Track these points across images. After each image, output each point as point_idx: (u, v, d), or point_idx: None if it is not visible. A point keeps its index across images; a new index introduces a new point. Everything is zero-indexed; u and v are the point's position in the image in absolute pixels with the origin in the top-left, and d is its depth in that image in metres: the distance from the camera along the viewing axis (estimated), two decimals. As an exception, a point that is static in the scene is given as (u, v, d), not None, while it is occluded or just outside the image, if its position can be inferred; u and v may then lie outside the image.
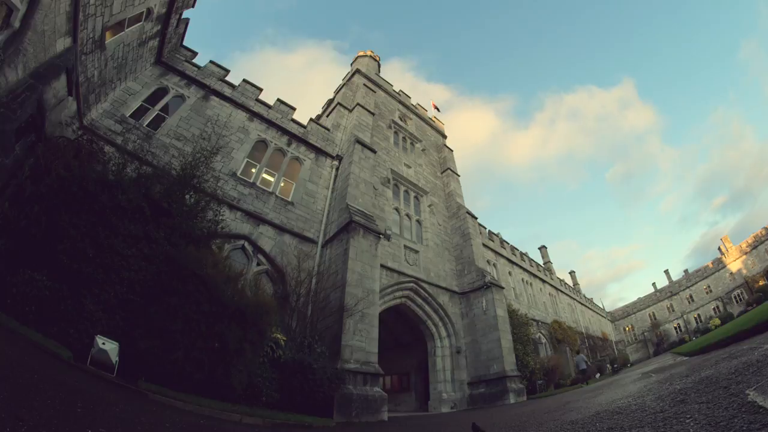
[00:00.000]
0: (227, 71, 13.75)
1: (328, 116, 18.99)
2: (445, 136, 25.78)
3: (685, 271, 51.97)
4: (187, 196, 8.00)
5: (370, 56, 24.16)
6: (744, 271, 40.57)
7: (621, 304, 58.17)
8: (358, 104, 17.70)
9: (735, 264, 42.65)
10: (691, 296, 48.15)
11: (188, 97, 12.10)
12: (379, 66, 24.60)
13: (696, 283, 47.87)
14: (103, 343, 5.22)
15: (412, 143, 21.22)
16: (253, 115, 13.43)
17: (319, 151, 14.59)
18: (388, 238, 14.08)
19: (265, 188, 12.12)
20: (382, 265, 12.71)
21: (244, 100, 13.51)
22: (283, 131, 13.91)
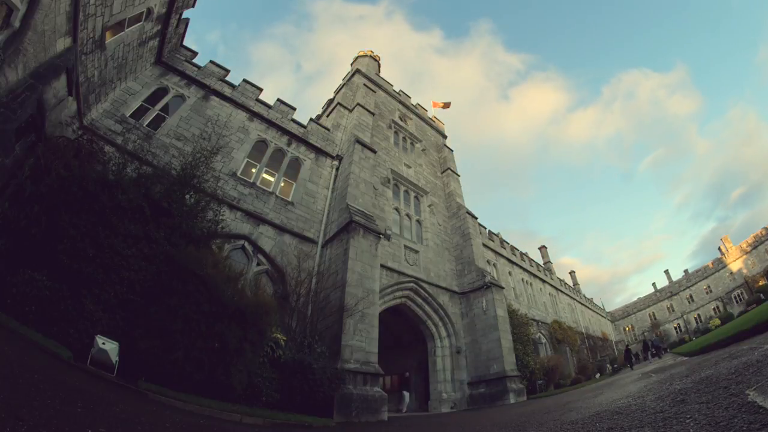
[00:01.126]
0: (227, 71, 13.75)
1: (328, 116, 19.00)
2: (445, 136, 25.78)
3: (685, 271, 52.01)
4: (187, 196, 8.00)
5: (371, 56, 24.16)
6: (744, 271, 40.57)
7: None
8: (358, 104, 17.70)
9: (735, 264, 42.66)
10: (691, 296, 48.16)
11: (188, 97, 12.10)
12: (379, 66, 24.60)
13: (696, 283, 47.88)
14: (103, 343, 5.23)
15: (412, 143, 21.22)
16: (253, 115, 13.42)
17: (319, 151, 14.58)
18: (388, 238, 14.09)
19: (265, 188, 12.12)
20: (382, 265, 12.71)
21: (244, 100, 13.51)
22: (283, 131, 13.90)
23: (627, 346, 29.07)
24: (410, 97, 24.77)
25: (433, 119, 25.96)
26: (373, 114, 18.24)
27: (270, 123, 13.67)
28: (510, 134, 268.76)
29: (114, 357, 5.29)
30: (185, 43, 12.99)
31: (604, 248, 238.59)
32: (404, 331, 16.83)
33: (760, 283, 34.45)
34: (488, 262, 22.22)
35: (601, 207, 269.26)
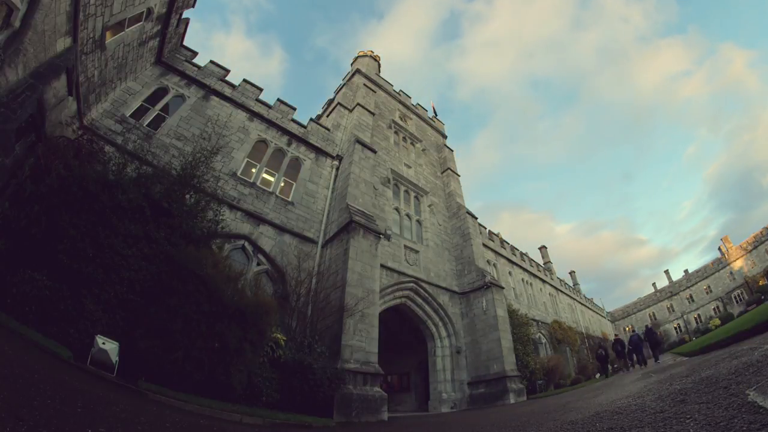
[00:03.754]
0: (227, 71, 13.75)
1: (328, 116, 19.00)
2: (445, 136, 25.77)
3: (685, 271, 52.02)
4: (188, 196, 8.00)
5: (371, 56, 24.17)
6: (744, 271, 40.58)
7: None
8: (358, 104, 17.70)
9: (735, 264, 42.66)
10: (691, 296, 48.15)
11: (188, 97, 12.10)
12: (379, 66, 24.60)
13: (696, 283, 47.87)
14: (103, 343, 5.23)
15: (412, 143, 21.22)
16: (254, 115, 13.43)
17: (319, 151, 14.59)
18: (388, 238, 14.08)
19: (265, 188, 12.12)
20: (382, 265, 12.71)
21: (245, 100, 13.51)
22: (284, 131, 13.91)
23: (600, 350, 18.99)
24: (410, 97, 24.78)
25: (433, 119, 25.97)
26: (373, 114, 18.24)
27: (270, 123, 13.67)
28: (645, 87, 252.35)
29: (114, 357, 5.29)
30: (185, 42, 13.00)
31: (674, 213, 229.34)
32: (404, 331, 16.83)
33: (760, 283, 34.46)
34: (488, 262, 22.22)
35: (685, 181, 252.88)
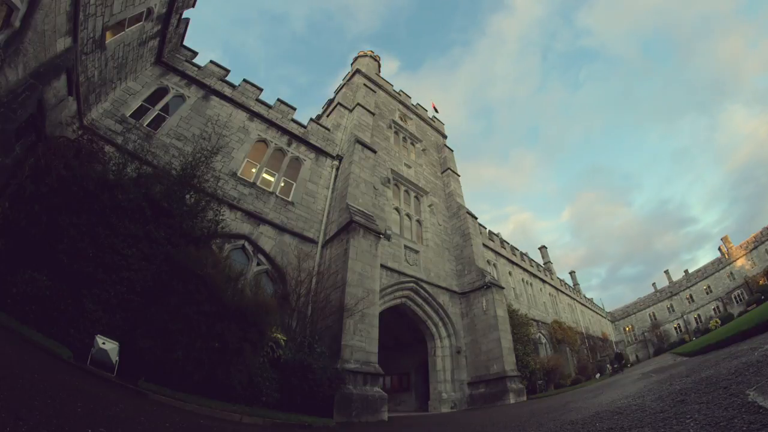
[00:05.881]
0: (227, 71, 13.75)
1: (328, 116, 19.00)
2: (445, 136, 25.77)
3: (686, 271, 52.04)
4: (188, 196, 8.00)
5: (371, 56, 24.18)
6: (745, 270, 40.58)
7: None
8: (358, 104, 17.70)
9: (735, 264, 42.67)
10: (691, 296, 48.16)
11: (188, 97, 12.10)
12: (379, 66, 24.60)
13: (696, 283, 47.87)
14: (103, 343, 5.23)
15: (412, 143, 21.22)
16: (254, 115, 13.43)
17: (319, 151, 14.59)
18: (388, 238, 14.08)
19: (265, 188, 12.12)
20: (382, 265, 12.70)
21: (245, 100, 13.51)
22: (284, 131, 13.91)
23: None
24: (410, 98, 24.78)
25: (433, 120, 25.97)
26: (373, 114, 18.24)
27: (270, 123, 13.67)
28: (723, 62, 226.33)
29: (114, 357, 5.29)
30: (185, 42, 13.00)
31: (718, 201, 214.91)
32: (404, 331, 16.83)
33: (760, 283, 34.43)
34: (488, 262, 22.22)
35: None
